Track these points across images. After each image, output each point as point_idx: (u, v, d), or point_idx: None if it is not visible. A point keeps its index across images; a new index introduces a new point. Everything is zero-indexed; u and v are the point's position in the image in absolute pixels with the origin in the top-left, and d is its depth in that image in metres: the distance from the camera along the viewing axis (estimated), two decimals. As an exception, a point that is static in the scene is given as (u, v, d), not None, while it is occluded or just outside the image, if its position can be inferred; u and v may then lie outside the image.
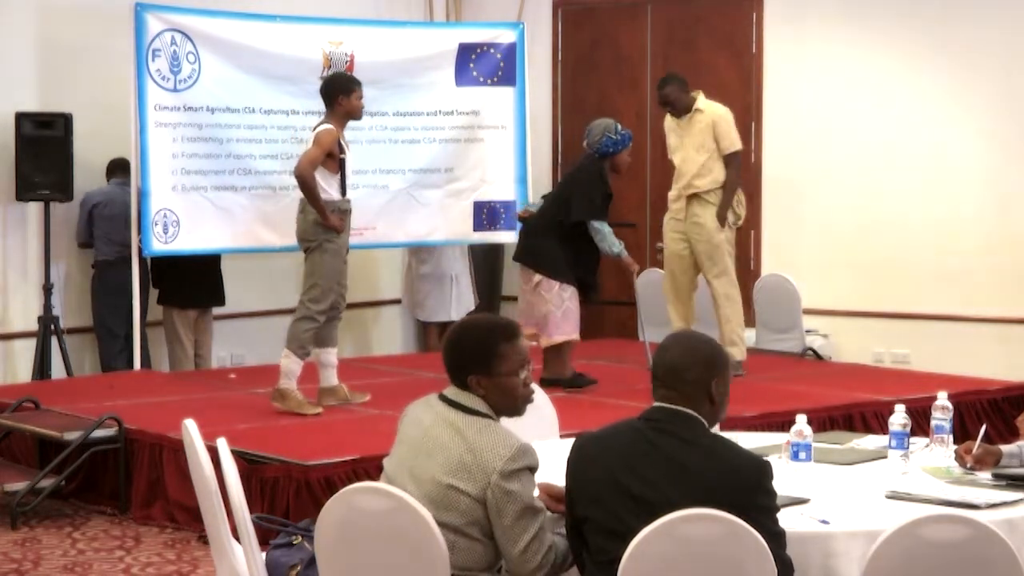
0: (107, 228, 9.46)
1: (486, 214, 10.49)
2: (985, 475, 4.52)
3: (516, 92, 10.52)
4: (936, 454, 4.85)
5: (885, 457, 4.85)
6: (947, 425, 4.92)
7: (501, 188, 10.52)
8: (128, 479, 7.25)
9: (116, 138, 9.40)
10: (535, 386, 4.16)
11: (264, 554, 4.39)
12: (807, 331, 9.96)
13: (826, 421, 7.57)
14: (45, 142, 9.18)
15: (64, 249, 9.60)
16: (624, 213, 10.23)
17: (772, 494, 3.75)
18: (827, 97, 10.51)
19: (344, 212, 7.90)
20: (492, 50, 10.43)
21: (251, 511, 4.39)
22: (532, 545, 3.84)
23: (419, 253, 10.87)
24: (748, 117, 10.68)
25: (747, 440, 4.62)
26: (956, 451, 4.68)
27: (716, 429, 4.02)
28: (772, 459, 3.89)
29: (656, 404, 3.84)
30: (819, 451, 4.78)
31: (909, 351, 10.18)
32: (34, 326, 9.30)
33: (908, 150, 10.27)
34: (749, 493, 3.67)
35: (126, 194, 9.38)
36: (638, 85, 11.09)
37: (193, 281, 9.72)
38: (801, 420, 4.70)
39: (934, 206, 10.17)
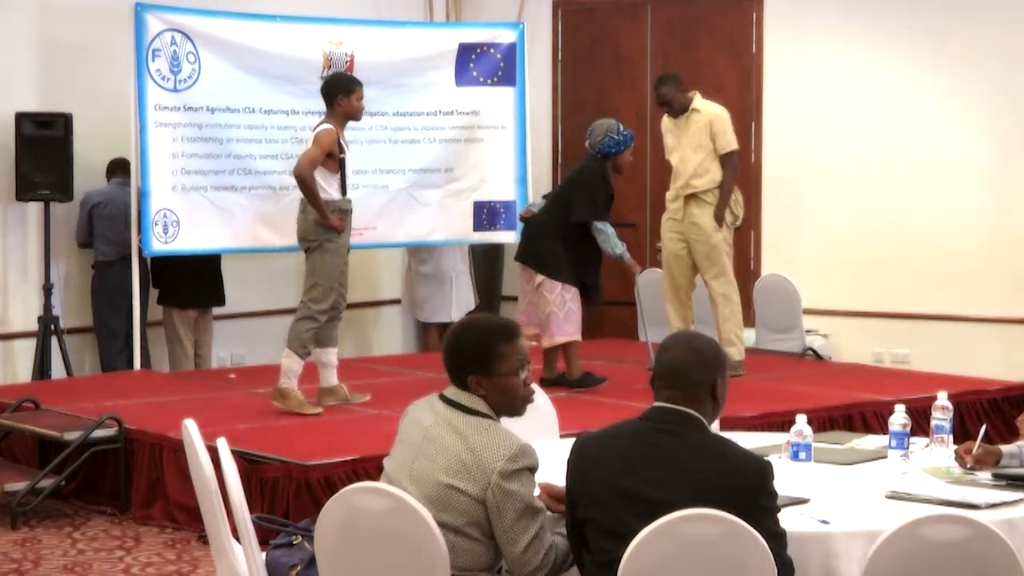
0: (107, 228, 9.46)
1: (486, 214, 10.49)
2: (985, 475, 4.52)
3: (516, 92, 10.52)
4: (936, 454, 4.85)
5: (885, 457, 4.85)
6: (947, 425, 4.92)
7: (501, 188, 10.52)
8: (128, 479, 7.25)
9: (116, 138, 9.40)
10: (535, 386, 4.16)
11: (264, 554, 4.39)
12: (807, 331, 9.96)
13: (826, 421, 7.57)
14: (45, 142, 9.18)
15: (64, 249, 9.60)
16: (624, 213, 10.23)
17: (773, 494, 3.75)
18: (827, 97, 10.51)
19: (345, 212, 7.90)
20: (492, 50, 10.43)
21: (251, 511, 4.39)
22: (532, 545, 3.84)
23: (419, 254, 10.87)
24: (748, 117, 10.69)
25: (747, 440, 4.63)
26: (956, 451, 4.68)
27: (716, 428, 4.02)
28: (772, 459, 3.89)
29: (657, 404, 3.84)
30: (819, 451, 4.78)
31: (909, 351, 10.18)
32: (34, 326, 9.30)
33: (908, 150, 10.27)
34: (750, 493, 3.67)
35: (126, 194, 9.38)
36: (638, 85, 11.09)
37: (193, 281, 9.72)
38: (801, 420, 4.70)
39: (934, 206, 10.17)
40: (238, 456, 5.46)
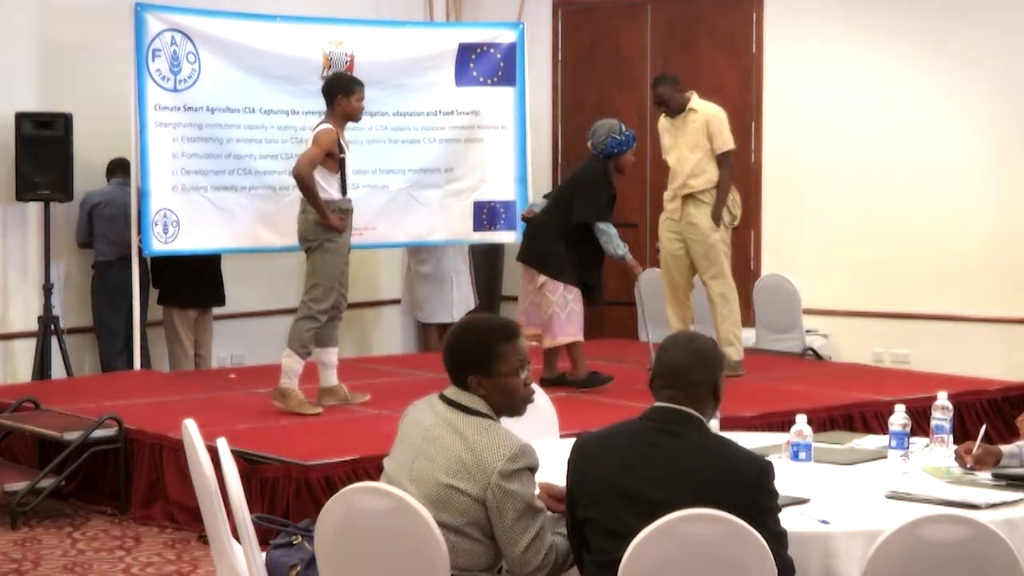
0: (107, 228, 9.46)
1: (486, 214, 10.49)
2: (985, 475, 4.52)
3: (516, 92, 10.52)
4: (936, 454, 4.85)
5: (885, 457, 4.85)
6: (947, 425, 4.92)
7: (501, 188, 10.52)
8: (128, 479, 7.25)
9: (116, 138, 9.40)
10: (535, 386, 4.16)
11: (264, 554, 4.39)
12: (807, 331, 9.95)
13: (826, 421, 7.56)
14: (45, 142, 9.18)
15: (64, 249, 9.60)
16: (625, 213, 10.22)
17: (774, 494, 3.75)
18: (827, 97, 10.51)
19: (345, 212, 7.90)
20: (492, 50, 10.43)
21: (251, 511, 4.39)
22: (533, 545, 3.84)
23: (419, 254, 10.86)
24: (748, 117, 10.69)
25: (747, 440, 4.62)
26: (956, 451, 4.68)
27: (716, 428, 4.02)
28: (772, 459, 3.89)
29: (658, 404, 3.84)
30: (819, 451, 4.79)
31: (909, 351, 10.18)
32: (34, 326, 9.30)
33: (908, 150, 10.27)
34: (750, 494, 3.68)
35: (126, 194, 9.38)
36: (638, 85, 11.09)
37: (193, 281, 9.72)
38: (801, 420, 4.71)
39: (934, 206, 10.17)
40: (238, 456, 5.46)
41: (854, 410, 7.96)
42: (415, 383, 8.55)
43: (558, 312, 8.42)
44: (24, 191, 9.20)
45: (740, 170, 10.24)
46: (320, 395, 8.03)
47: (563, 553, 3.94)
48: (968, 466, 4.58)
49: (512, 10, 11.39)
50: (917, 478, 4.57)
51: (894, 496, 4.31)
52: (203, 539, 6.38)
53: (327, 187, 7.80)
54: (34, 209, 9.43)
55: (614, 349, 9.92)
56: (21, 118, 9.18)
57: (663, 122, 9.12)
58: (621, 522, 3.68)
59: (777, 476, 3.78)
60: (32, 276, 9.45)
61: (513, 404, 4.03)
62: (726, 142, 8.90)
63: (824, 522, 4.02)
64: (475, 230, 10.51)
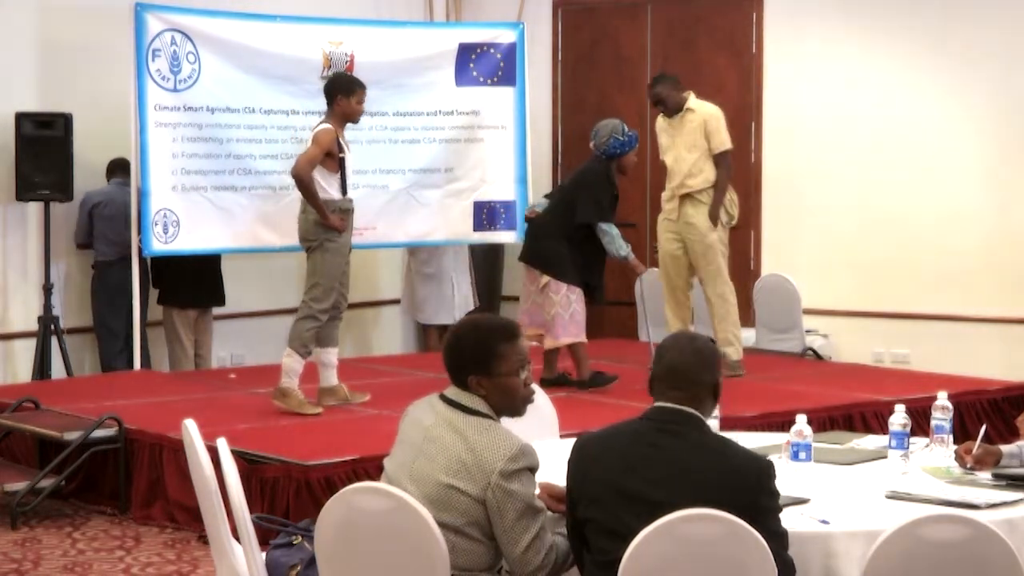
0: (107, 228, 9.46)
1: (486, 214, 10.49)
2: (985, 475, 4.52)
3: (516, 92, 10.52)
4: (936, 454, 4.85)
5: (885, 457, 4.85)
6: (947, 425, 4.92)
7: (501, 188, 10.52)
8: (128, 479, 7.25)
9: (116, 138, 9.40)
10: (535, 386, 4.16)
11: (264, 554, 4.39)
12: (807, 331, 9.95)
13: (826, 421, 7.56)
14: (45, 142, 9.18)
15: (64, 249, 9.60)
16: (624, 213, 10.21)
17: (774, 494, 3.75)
18: (827, 97, 10.51)
19: (345, 212, 7.90)
20: (492, 50, 10.43)
21: (251, 511, 4.39)
22: (533, 545, 3.84)
23: (419, 255, 10.86)
24: (748, 117, 10.69)
25: (747, 440, 4.62)
26: (956, 451, 4.68)
27: (716, 428, 4.03)
28: (772, 459, 3.88)
29: (660, 404, 3.84)
30: (819, 451, 4.79)
31: (909, 351, 10.18)
32: (34, 326, 9.30)
33: (908, 150, 10.27)
34: (751, 493, 3.68)
35: (126, 194, 9.38)
36: (638, 85, 11.08)
37: (193, 281, 9.72)
38: (801, 420, 4.71)
39: (934, 206, 10.17)
40: (238, 456, 5.46)
41: (854, 410, 7.96)
42: (415, 383, 8.55)
43: (561, 313, 8.42)
44: (24, 191, 9.20)
45: (740, 170, 10.25)
46: (320, 395, 8.03)
47: (563, 553, 3.94)
48: (968, 466, 4.58)
49: (512, 10, 11.39)
50: (917, 478, 4.57)
51: (894, 496, 4.31)
52: (203, 539, 6.38)
53: (327, 187, 7.80)
54: (34, 209, 9.43)
55: (614, 349, 9.91)
56: (21, 118, 9.18)
57: (660, 122, 9.13)
58: (621, 522, 3.68)
59: (777, 476, 3.78)
60: (32, 276, 9.45)
61: (513, 404, 4.04)
62: (723, 142, 8.90)
63: (824, 522, 4.02)
64: (475, 230, 10.51)
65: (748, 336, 9.76)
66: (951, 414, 4.97)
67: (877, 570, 3.60)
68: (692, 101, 8.95)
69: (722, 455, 3.76)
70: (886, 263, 10.28)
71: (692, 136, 8.89)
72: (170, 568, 6.33)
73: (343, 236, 7.86)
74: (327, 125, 7.82)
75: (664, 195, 9.14)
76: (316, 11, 10.06)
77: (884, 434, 5.00)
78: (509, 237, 10.57)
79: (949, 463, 4.71)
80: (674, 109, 8.95)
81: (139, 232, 9.23)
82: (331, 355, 8.05)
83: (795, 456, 4.63)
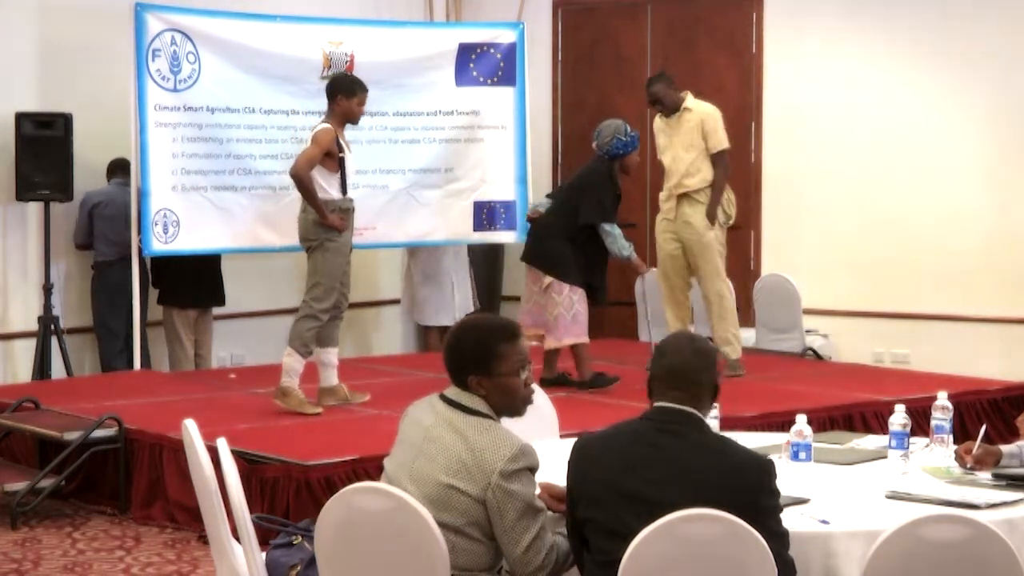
0: (107, 228, 9.46)
1: (486, 214, 10.49)
2: (985, 475, 4.52)
3: (516, 92, 10.52)
4: (936, 454, 4.85)
5: (885, 457, 4.85)
6: (947, 425, 4.92)
7: (501, 188, 10.52)
8: (128, 479, 7.25)
9: (116, 138, 9.40)
10: (535, 386, 4.16)
11: (264, 554, 4.39)
12: (807, 331, 9.95)
13: (826, 421, 7.56)
14: (45, 142, 9.18)
15: (64, 249, 9.60)
16: (624, 213, 10.19)
17: (775, 494, 3.75)
18: (827, 97, 10.51)
19: (345, 211, 7.90)
20: (492, 50, 10.43)
21: (251, 511, 4.39)
22: (534, 545, 3.84)
23: (418, 257, 10.85)
24: (748, 117, 10.69)
25: (747, 440, 4.62)
26: (956, 451, 4.68)
27: (716, 429, 4.03)
28: (772, 459, 3.89)
29: (660, 404, 3.84)
30: (819, 451, 4.79)
31: (909, 351, 10.18)
32: (34, 326, 9.30)
33: (908, 149, 10.27)
34: (751, 493, 3.68)
35: (126, 194, 9.38)
36: (638, 85, 11.03)
37: (193, 281, 9.71)
38: (801, 420, 4.71)
39: (934, 206, 10.17)
40: (238, 456, 5.46)
41: (854, 410, 7.96)
42: (415, 383, 8.55)
43: (563, 313, 8.42)
44: (24, 191, 9.20)
45: (740, 170, 10.26)
46: (320, 395, 8.03)
47: (564, 553, 3.94)
48: (968, 466, 4.58)
49: (512, 10, 11.39)
50: (917, 478, 4.57)
51: (894, 496, 4.31)
52: (203, 539, 6.38)
53: (327, 187, 7.80)
54: (34, 209, 9.43)
55: (614, 349, 9.91)
56: (21, 118, 9.18)
57: (658, 122, 9.14)
58: (621, 522, 3.68)
59: (778, 475, 3.78)
60: (32, 276, 9.45)
61: (513, 404, 4.04)
62: (721, 141, 8.91)
63: (824, 522, 4.02)
64: (475, 230, 10.51)
65: (748, 336, 9.76)
66: (951, 414, 4.97)
67: (877, 570, 3.60)
68: (690, 100, 8.96)
69: (722, 455, 3.76)
70: (886, 263, 10.28)
71: (689, 136, 8.89)
72: (170, 568, 6.33)
73: (343, 236, 7.87)
74: (326, 125, 7.82)
75: (662, 195, 9.15)
76: (316, 11, 10.06)
77: (884, 434, 5.00)
78: (509, 237, 10.57)
79: (949, 463, 4.71)
80: (671, 108, 8.96)
81: (139, 232, 9.23)
82: (331, 355, 8.05)
83: (795, 456, 4.63)
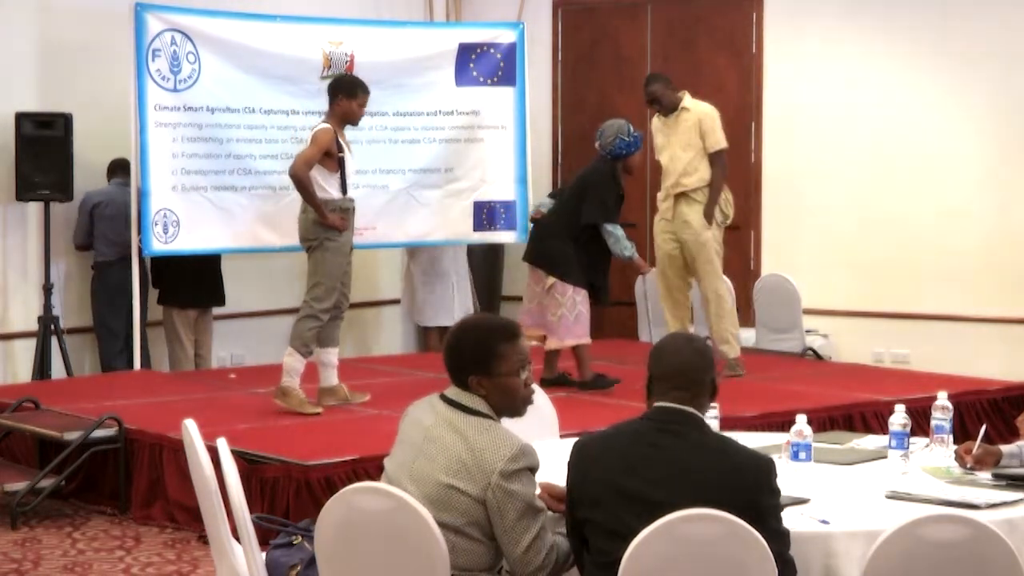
0: (107, 228, 9.46)
1: (486, 214, 10.49)
2: (985, 475, 4.52)
3: (516, 92, 10.52)
4: (936, 454, 4.85)
5: (885, 457, 4.85)
6: (947, 425, 4.92)
7: (501, 188, 10.52)
8: (128, 479, 7.25)
9: (116, 138, 9.40)
10: (535, 386, 4.16)
11: (264, 554, 4.39)
12: (807, 331, 9.95)
13: (826, 421, 7.56)
14: (45, 142, 9.18)
15: (64, 249, 9.60)
16: (624, 213, 10.20)
17: (776, 493, 3.75)
18: (827, 97, 10.51)
19: (345, 211, 7.90)
20: (492, 50, 10.43)
21: (251, 511, 4.39)
22: (534, 545, 3.84)
23: (417, 258, 10.85)
24: (748, 117, 10.69)
25: (747, 440, 4.62)
26: (956, 451, 4.68)
27: (716, 428, 4.03)
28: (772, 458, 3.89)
29: (660, 404, 3.84)
30: (819, 451, 4.79)
31: (909, 351, 10.18)
32: (34, 326, 9.30)
33: (908, 149, 10.27)
34: (751, 492, 3.68)
35: (126, 194, 9.38)
36: (638, 85, 10.99)
37: (193, 281, 9.71)
38: (801, 420, 4.71)
39: (934, 206, 10.17)
40: (238, 456, 5.46)
41: (854, 410, 7.96)
42: (415, 383, 8.55)
43: (566, 314, 8.41)
44: (24, 191, 9.20)
45: (740, 170, 10.26)
46: (320, 395, 8.03)
47: (564, 553, 3.94)
48: (968, 466, 4.58)
49: (512, 10, 11.39)
50: (917, 478, 4.57)
51: (894, 496, 4.31)
52: (203, 539, 6.38)
53: (326, 186, 7.80)
54: (34, 209, 9.43)
55: (614, 349, 9.91)
56: (21, 118, 9.18)
57: (656, 122, 9.16)
58: (621, 522, 3.68)
59: (778, 474, 3.79)
60: (32, 276, 9.45)
61: (513, 404, 4.04)
62: (718, 141, 8.91)
63: (824, 522, 4.02)
64: (475, 230, 10.50)
65: (748, 336, 9.76)
66: (951, 414, 4.97)
67: (877, 570, 3.60)
68: (687, 100, 8.97)
69: (722, 454, 3.76)
70: (886, 263, 10.28)
71: (687, 135, 8.90)
72: (170, 568, 6.33)
73: (344, 235, 7.87)
74: (326, 125, 7.83)
75: (660, 195, 9.16)
76: (316, 11, 10.06)
77: (884, 434, 5.00)
78: (509, 237, 10.57)
79: (949, 463, 4.71)
80: (669, 108, 8.97)
81: (139, 232, 9.23)
82: (331, 355, 8.05)
83: (795, 456, 4.63)
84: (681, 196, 8.95)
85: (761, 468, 3.73)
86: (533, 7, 11.46)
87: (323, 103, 8.00)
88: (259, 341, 10.24)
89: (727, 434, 4.06)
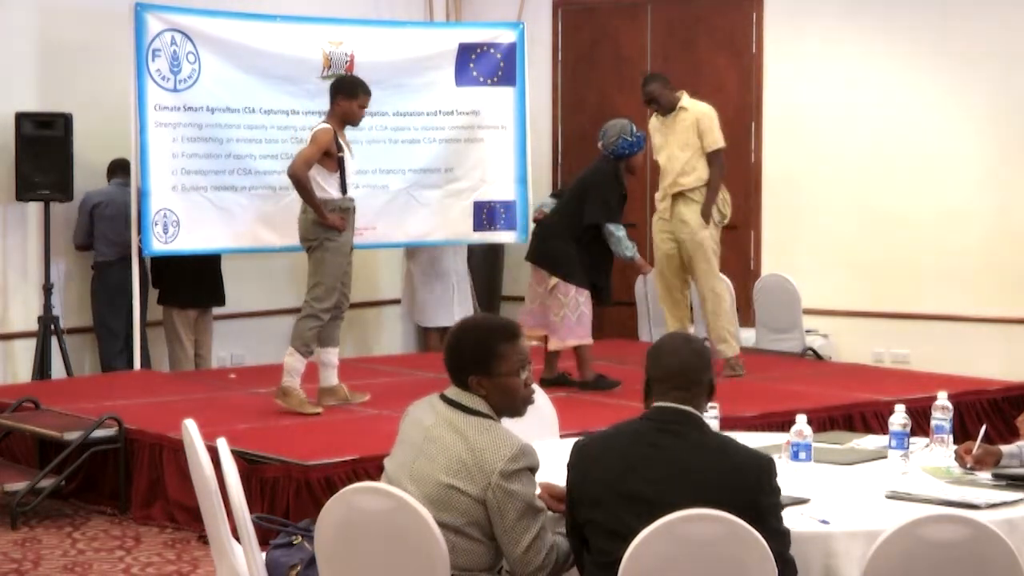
0: (107, 228, 9.46)
1: (486, 214, 10.49)
2: (985, 475, 4.52)
3: (516, 92, 10.52)
4: (936, 454, 4.85)
5: (885, 457, 4.85)
6: (947, 425, 4.92)
7: (501, 188, 10.52)
8: (128, 479, 7.25)
9: (116, 138, 9.40)
10: (535, 386, 4.16)
11: (264, 554, 4.39)
12: (807, 331, 9.95)
13: (826, 421, 7.56)
14: (45, 142, 9.18)
15: (64, 249, 9.60)
16: (625, 213, 10.23)
17: (776, 492, 3.75)
18: (827, 97, 10.50)
19: (345, 211, 7.90)
20: (492, 50, 10.43)
21: (251, 511, 4.39)
22: (534, 545, 3.84)
23: (417, 259, 10.85)
24: (748, 117, 10.69)
25: (747, 440, 4.61)
26: (956, 451, 4.68)
27: (716, 427, 4.03)
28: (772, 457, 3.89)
29: (660, 404, 3.84)
30: (819, 451, 4.79)
31: (909, 351, 10.18)
32: (34, 326, 9.30)
33: (908, 149, 10.27)
34: (751, 492, 3.68)
35: (126, 194, 9.38)
36: (638, 85, 10.99)
37: (193, 281, 9.71)
38: (801, 420, 4.71)
39: (934, 205, 10.17)
40: (238, 456, 5.46)
41: (854, 410, 7.96)
42: (415, 383, 8.55)
43: (568, 315, 8.41)
44: (24, 191, 9.20)
45: (740, 170, 10.26)
46: (320, 395, 8.03)
47: (564, 553, 3.94)
48: (968, 466, 4.58)
49: (512, 10, 11.39)
50: (917, 478, 4.57)
51: (894, 496, 4.31)
52: (203, 539, 6.38)
53: (326, 186, 7.80)
54: (34, 209, 9.43)
55: (614, 349, 9.91)
56: (21, 118, 9.18)
57: (654, 121, 9.16)
58: (622, 522, 3.68)
59: (779, 474, 3.79)
60: (32, 276, 9.45)
61: (513, 404, 4.04)
62: (716, 140, 8.91)
63: (824, 522, 4.02)
64: (475, 230, 10.50)
65: (748, 336, 9.76)
66: (951, 414, 4.97)
67: (877, 570, 3.60)
68: (685, 100, 8.97)
69: (722, 454, 3.76)
70: (886, 263, 10.28)
71: (685, 135, 8.90)
72: (170, 568, 6.33)
73: (344, 235, 7.87)
74: (325, 125, 7.83)
75: (657, 195, 9.16)
76: (316, 11, 10.06)
77: (884, 434, 5.00)
78: (509, 237, 10.57)
79: (949, 463, 4.71)
80: (667, 108, 8.97)
81: (139, 232, 9.23)
82: (332, 355, 8.05)
83: (795, 456, 4.63)
84: (679, 196, 8.96)
85: (762, 468, 3.73)
86: (533, 7, 11.46)
87: (323, 103, 8.00)
88: (259, 341, 10.25)
89: (727, 434, 4.06)
